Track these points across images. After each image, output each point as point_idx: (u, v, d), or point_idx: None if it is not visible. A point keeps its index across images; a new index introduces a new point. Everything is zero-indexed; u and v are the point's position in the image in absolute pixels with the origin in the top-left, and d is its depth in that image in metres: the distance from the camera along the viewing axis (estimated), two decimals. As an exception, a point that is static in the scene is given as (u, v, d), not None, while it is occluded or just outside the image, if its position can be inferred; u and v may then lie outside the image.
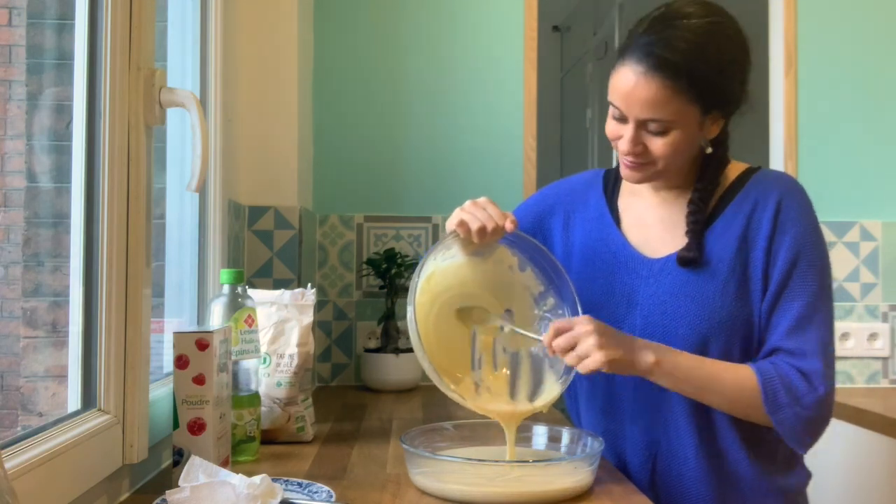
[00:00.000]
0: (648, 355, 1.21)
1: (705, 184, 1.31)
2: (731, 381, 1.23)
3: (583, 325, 1.19)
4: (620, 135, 1.26)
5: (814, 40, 2.45)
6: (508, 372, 1.28)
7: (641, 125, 1.23)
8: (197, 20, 1.60)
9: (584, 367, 1.17)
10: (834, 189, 2.43)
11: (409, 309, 1.18)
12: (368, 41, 2.35)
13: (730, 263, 1.27)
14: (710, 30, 1.22)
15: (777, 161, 2.46)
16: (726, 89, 1.24)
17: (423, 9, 2.37)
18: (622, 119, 1.25)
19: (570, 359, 1.18)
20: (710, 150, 1.31)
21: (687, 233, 1.30)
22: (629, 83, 1.21)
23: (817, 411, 1.22)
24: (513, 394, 1.27)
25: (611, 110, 1.27)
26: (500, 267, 1.31)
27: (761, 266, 1.26)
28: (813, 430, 1.24)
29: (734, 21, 1.26)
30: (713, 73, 1.21)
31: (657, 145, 1.24)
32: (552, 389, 1.25)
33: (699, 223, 1.29)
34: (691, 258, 1.27)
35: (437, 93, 2.36)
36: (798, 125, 2.44)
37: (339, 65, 2.34)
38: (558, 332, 1.20)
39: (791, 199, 1.29)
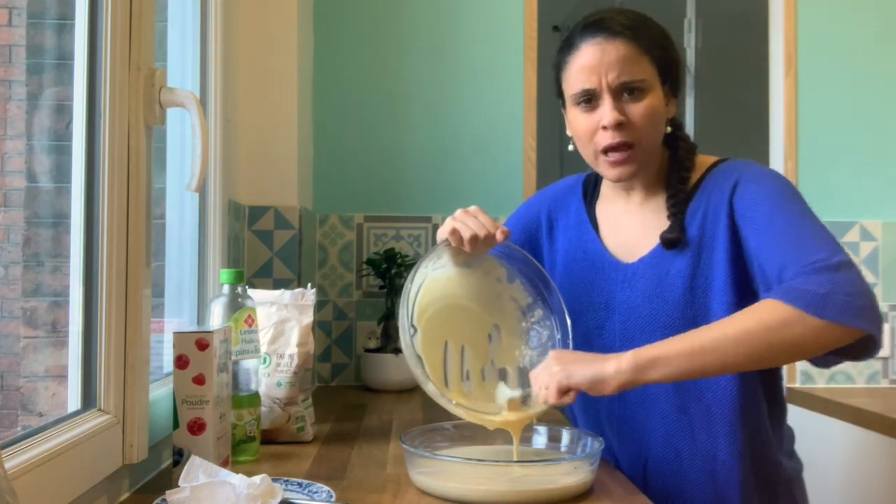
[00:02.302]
0: (621, 357, 1.13)
1: (678, 165, 1.31)
2: (737, 320, 1.11)
3: (549, 361, 1.19)
4: (596, 121, 1.25)
5: (814, 40, 2.45)
6: (497, 384, 1.28)
7: (617, 94, 1.24)
8: (197, 20, 1.60)
9: (548, 396, 1.16)
10: (834, 189, 2.43)
11: (404, 320, 1.18)
12: (368, 41, 2.35)
13: (694, 260, 1.26)
14: (642, 13, 1.30)
15: (777, 161, 2.46)
16: (673, 58, 1.29)
17: (423, 9, 2.37)
18: (593, 104, 1.25)
19: (541, 398, 1.18)
20: (669, 129, 1.32)
21: (669, 216, 1.29)
22: (594, 55, 1.24)
23: (856, 276, 1.09)
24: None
25: (574, 110, 1.28)
26: (489, 279, 1.32)
27: (726, 251, 1.24)
28: (866, 299, 1.08)
29: None
30: (660, 37, 1.28)
31: (637, 112, 1.24)
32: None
33: (679, 203, 1.29)
34: (674, 238, 1.27)
35: (437, 93, 2.36)
36: (798, 125, 2.44)
37: (339, 65, 2.34)
38: (534, 380, 1.20)
39: (746, 175, 1.26)
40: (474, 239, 1.23)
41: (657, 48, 1.26)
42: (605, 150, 1.26)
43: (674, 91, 1.31)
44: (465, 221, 1.25)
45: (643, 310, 1.29)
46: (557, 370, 1.15)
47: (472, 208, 1.28)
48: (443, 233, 1.27)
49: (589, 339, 1.34)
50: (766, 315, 1.09)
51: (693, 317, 1.25)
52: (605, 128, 1.25)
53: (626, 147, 1.25)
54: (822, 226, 1.18)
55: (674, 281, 1.27)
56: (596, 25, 1.26)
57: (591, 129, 1.27)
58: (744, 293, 1.23)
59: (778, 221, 1.19)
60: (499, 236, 1.25)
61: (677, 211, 1.29)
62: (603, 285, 1.34)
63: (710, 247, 1.26)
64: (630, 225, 1.36)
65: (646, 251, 1.32)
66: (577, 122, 1.28)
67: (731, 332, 1.10)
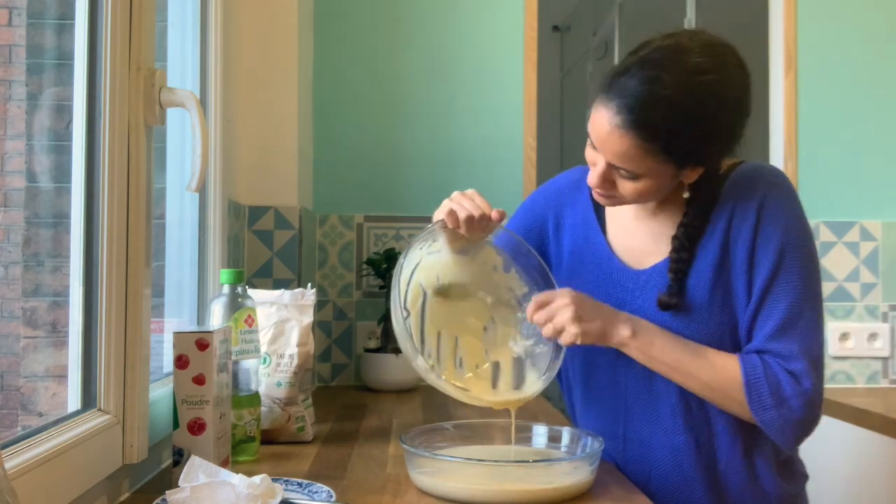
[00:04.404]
0: (624, 329, 1.21)
1: (690, 220, 1.25)
2: (711, 369, 1.21)
3: (561, 299, 1.21)
4: (594, 163, 1.22)
5: (814, 40, 2.45)
6: (489, 368, 1.28)
7: (613, 167, 1.20)
8: (197, 20, 1.60)
9: (563, 340, 1.20)
10: (834, 189, 2.43)
11: (396, 300, 1.18)
12: (368, 41, 2.35)
13: (713, 274, 1.24)
14: (703, 89, 1.13)
15: (777, 161, 2.46)
16: (708, 151, 1.19)
17: (423, 9, 2.37)
18: (597, 150, 1.22)
19: (546, 331, 1.21)
20: (686, 194, 1.25)
21: (669, 272, 1.25)
22: (604, 131, 1.16)
23: (804, 412, 1.18)
24: (496, 388, 1.27)
25: (589, 138, 1.24)
26: (485, 268, 1.31)
27: (744, 272, 1.23)
28: (800, 431, 1.21)
29: (737, 70, 1.17)
30: (694, 140, 1.15)
31: (627, 188, 1.21)
32: (534, 384, 1.25)
33: (682, 263, 1.25)
34: (672, 304, 1.24)
35: (437, 93, 2.36)
36: (798, 125, 2.44)
37: (339, 65, 2.34)
38: (539, 306, 1.22)
39: (771, 200, 1.23)
40: (470, 219, 1.22)
41: (683, 147, 1.15)
42: None
43: (707, 165, 1.22)
44: (461, 202, 1.24)
45: (656, 319, 1.26)
46: (574, 327, 1.18)
47: (469, 191, 1.27)
48: (439, 214, 1.26)
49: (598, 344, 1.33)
50: (729, 387, 1.21)
51: (709, 331, 1.24)
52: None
53: (609, 198, 1.25)
54: (817, 318, 1.22)
55: (693, 292, 1.25)
56: (617, 96, 1.14)
57: (590, 163, 1.24)
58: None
59: (781, 300, 1.20)
60: (494, 216, 1.23)
61: (680, 270, 1.25)
62: (611, 290, 1.32)
63: (730, 265, 1.24)
64: (639, 231, 1.33)
65: (658, 258, 1.29)
66: (587, 146, 1.24)
67: (705, 376, 1.21)
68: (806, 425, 1.20)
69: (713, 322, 1.24)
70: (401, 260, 1.21)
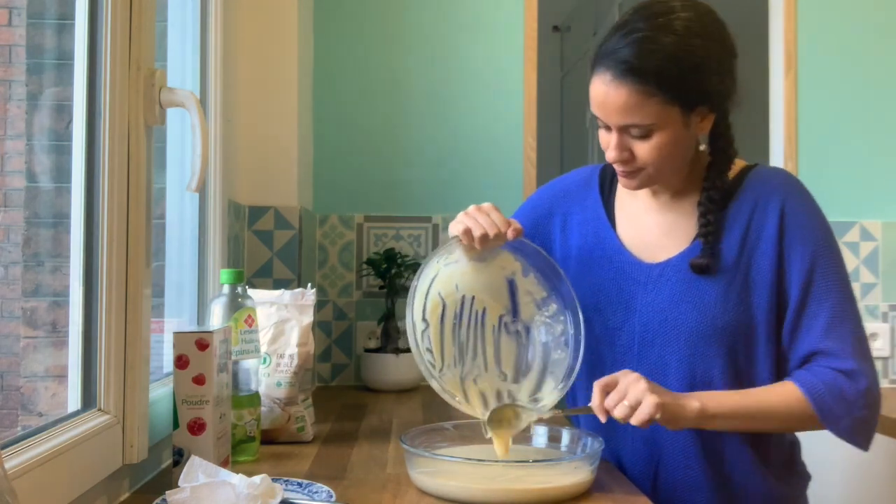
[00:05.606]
0: (693, 401, 1.18)
1: (712, 182, 1.27)
2: (778, 403, 1.21)
3: (627, 377, 1.16)
4: (608, 142, 1.24)
5: (814, 40, 2.45)
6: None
7: (623, 131, 1.21)
8: (197, 20, 1.60)
9: (638, 416, 1.12)
10: (834, 189, 2.43)
11: (414, 315, 1.19)
12: (369, 41, 2.35)
13: (731, 269, 1.25)
14: (680, 30, 1.19)
15: (777, 161, 2.46)
16: (705, 84, 1.21)
17: (423, 9, 2.37)
18: (607, 128, 1.23)
19: (620, 411, 1.13)
20: (703, 146, 1.28)
21: (699, 237, 1.26)
22: (601, 93, 1.20)
23: (868, 409, 1.22)
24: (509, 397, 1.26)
25: (598, 120, 1.26)
26: (504, 273, 1.31)
27: (770, 274, 1.24)
28: (871, 429, 1.24)
29: (710, 14, 1.24)
30: (686, 71, 1.18)
31: (643, 150, 1.22)
32: (551, 395, 1.25)
33: (711, 225, 1.25)
34: (705, 265, 1.24)
35: (437, 93, 2.36)
36: (798, 125, 2.44)
37: (339, 65, 2.34)
38: (605, 390, 1.16)
39: (795, 201, 1.26)
40: (484, 238, 1.22)
41: (678, 82, 1.18)
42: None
43: (713, 107, 1.24)
44: (476, 218, 1.24)
45: (670, 313, 1.26)
46: (652, 397, 1.12)
47: (486, 205, 1.27)
48: (454, 229, 1.26)
49: (608, 338, 1.32)
50: (802, 410, 1.21)
51: (724, 325, 1.24)
52: None
53: (633, 173, 1.25)
54: (858, 314, 1.26)
55: (709, 287, 1.25)
56: (604, 58, 1.21)
57: (604, 146, 1.26)
58: (784, 300, 1.25)
59: (823, 301, 1.22)
60: (510, 234, 1.24)
61: (710, 233, 1.25)
62: (622, 284, 1.31)
63: (749, 261, 1.25)
64: (652, 224, 1.33)
65: (672, 253, 1.29)
66: (599, 132, 1.27)
67: (781, 411, 1.22)
68: (874, 423, 1.24)
69: (734, 289, 1.24)
70: (418, 274, 1.22)
